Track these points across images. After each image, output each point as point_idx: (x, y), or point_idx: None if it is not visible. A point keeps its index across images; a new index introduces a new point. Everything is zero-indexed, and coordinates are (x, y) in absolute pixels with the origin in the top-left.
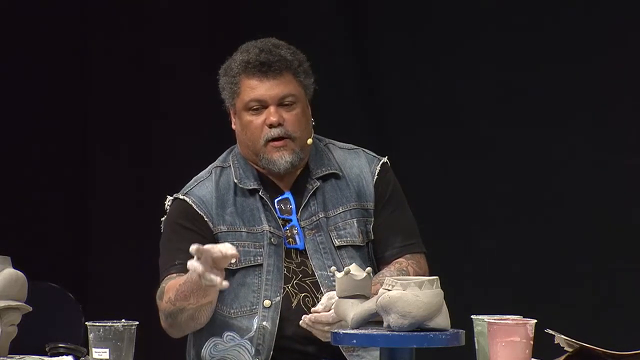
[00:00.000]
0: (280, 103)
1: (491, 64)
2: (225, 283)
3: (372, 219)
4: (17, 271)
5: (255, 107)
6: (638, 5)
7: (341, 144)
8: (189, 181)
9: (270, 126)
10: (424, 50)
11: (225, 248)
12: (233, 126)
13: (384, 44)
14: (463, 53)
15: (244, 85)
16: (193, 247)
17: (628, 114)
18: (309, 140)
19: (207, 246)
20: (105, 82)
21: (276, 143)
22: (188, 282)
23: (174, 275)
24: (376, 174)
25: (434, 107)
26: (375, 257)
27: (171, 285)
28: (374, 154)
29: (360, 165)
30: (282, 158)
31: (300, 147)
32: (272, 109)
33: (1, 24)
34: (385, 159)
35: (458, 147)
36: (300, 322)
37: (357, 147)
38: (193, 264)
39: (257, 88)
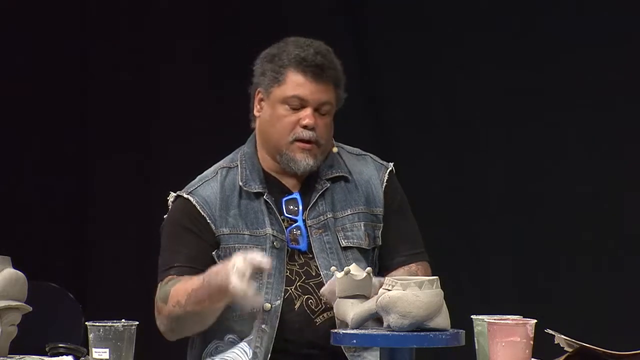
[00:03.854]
0: (317, 108)
1: (491, 64)
2: (260, 298)
3: (381, 224)
4: (17, 271)
5: (294, 104)
6: (637, 4)
7: (349, 148)
8: (193, 180)
9: (305, 127)
10: (424, 50)
11: (259, 258)
12: (256, 113)
13: (384, 43)
14: (463, 53)
15: (290, 79)
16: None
17: (628, 112)
18: (335, 149)
19: (248, 261)
20: (105, 81)
21: (304, 145)
22: (205, 287)
23: (174, 277)
24: (385, 181)
25: (434, 106)
26: (382, 263)
27: (179, 290)
28: (381, 161)
29: (369, 172)
30: (305, 160)
31: (322, 154)
32: (309, 110)
33: (1, 24)
34: (392, 167)
35: (458, 147)
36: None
37: (365, 152)
38: (241, 286)
39: (304, 87)
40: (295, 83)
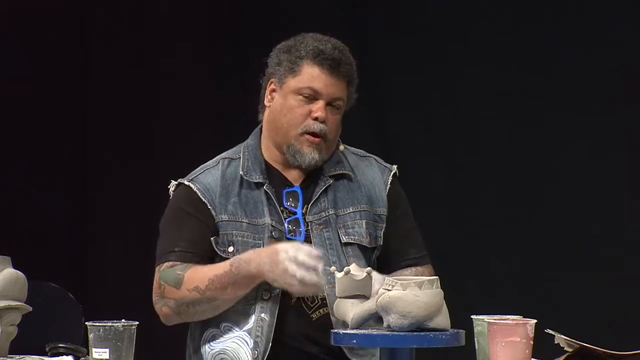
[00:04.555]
0: (330, 103)
1: (491, 64)
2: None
3: (384, 225)
4: (17, 271)
5: (307, 95)
6: (637, 4)
7: (354, 149)
8: (195, 169)
9: (315, 119)
10: (425, 51)
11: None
12: (267, 103)
13: (384, 43)
14: (464, 53)
15: (306, 70)
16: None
17: (629, 112)
18: (341, 147)
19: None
20: (105, 81)
21: (313, 138)
22: (232, 274)
23: (176, 263)
24: (389, 183)
25: (434, 107)
26: (389, 267)
27: (197, 275)
28: (385, 163)
29: (372, 173)
30: (311, 154)
31: (327, 150)
32: (321, 103)
33: (1, 25)
34: (395, 169)
35: (458, 147)
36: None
37: (369, 154)
38: (312, 278)
39: (319, 79)
40: (311, 75)
